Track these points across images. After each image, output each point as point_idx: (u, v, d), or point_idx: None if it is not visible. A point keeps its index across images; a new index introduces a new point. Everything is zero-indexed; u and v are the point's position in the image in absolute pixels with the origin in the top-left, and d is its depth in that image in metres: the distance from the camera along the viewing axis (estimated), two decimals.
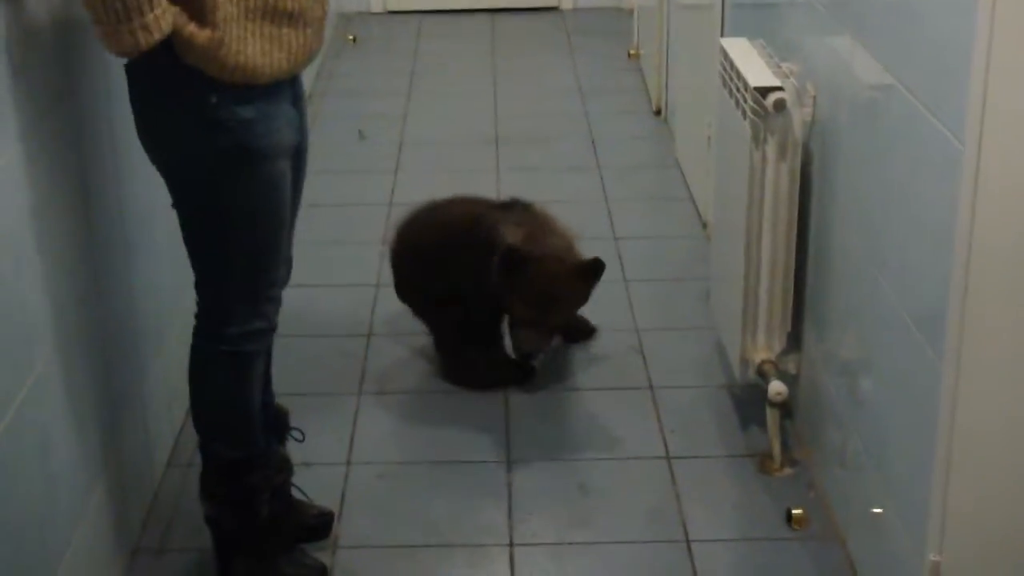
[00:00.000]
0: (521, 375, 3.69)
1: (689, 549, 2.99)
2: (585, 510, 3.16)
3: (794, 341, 3.32)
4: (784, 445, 3.29)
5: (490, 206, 3.74)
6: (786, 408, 3.33)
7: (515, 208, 3.67)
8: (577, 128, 5.74)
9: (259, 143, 2.47)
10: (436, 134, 5.72)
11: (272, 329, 2.75)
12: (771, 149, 3.12)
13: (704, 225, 4.61)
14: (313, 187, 4.98)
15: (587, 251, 4.46)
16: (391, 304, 4.10)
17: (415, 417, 3.56)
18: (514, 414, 3.55)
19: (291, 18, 2.43)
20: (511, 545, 3.03)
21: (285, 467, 2.94)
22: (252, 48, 2.39)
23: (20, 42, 2.36)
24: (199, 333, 2.72)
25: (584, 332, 3.90)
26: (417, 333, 3.83)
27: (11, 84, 2.32)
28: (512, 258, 3.38)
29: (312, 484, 3.21)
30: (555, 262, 3.43)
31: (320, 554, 2.98)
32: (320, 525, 3.04)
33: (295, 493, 2.99)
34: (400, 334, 3.94)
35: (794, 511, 3.05)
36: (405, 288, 3.78)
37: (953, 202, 2.21)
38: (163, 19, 2.29)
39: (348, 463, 3.34)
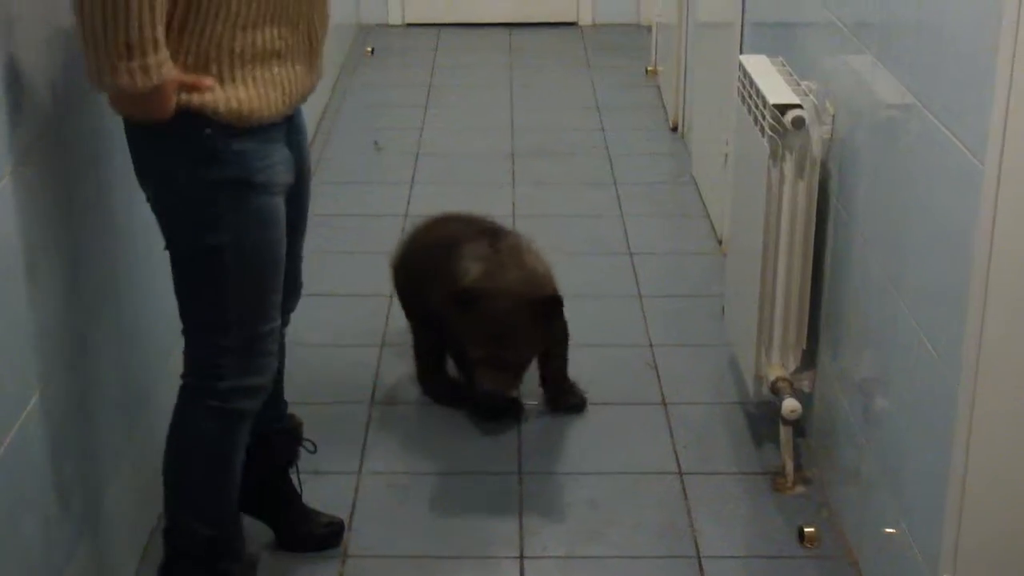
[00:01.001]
0: (496, 412, 3.56)
1: (700, 565, 2.98)
2: (596, 524, 3.15)
3: (809, 359, 3.31)
4: (797, 463, 3.28)
5: (472, 232, 3.54)
6: (799, 426, 3.33)
7: (494, 237, 3.49)
8: (594, 143, 5.75)
9: (254, 176, 2.40)
10: (452, 146, 5.72)
11: (268, 386, 2.60)
12: (789, 167, 3.12)
13: (719, 242, 4.61)
14: (329, 197, 5.06)
15: (601, 267, 4.51)
16: (404, 316, 4.11)
17: (427, 428, 3.56)
18: (526, 427, 3.54)
19: (280, 57, 2.39)
20: (521, 557, 3.02)
21: (253, 560, 2.82)
22: (246, 93, 2.35)
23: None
24: (186, 388, 2.57)
25: (573, 403, 3.62)
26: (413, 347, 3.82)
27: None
28: (462, 297, 3.26)
29: (323, 493, 3.22)
30: (506, 298, 3.25)
31: (330, 563, 2.98)
32: (330, 535, 3.02)
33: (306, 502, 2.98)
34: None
35: (806, 529, 3.04)
36: (401, 299, 3.78)
37: (972, 221, 2.21)
38: (164, 66, 2.23)
39: (359, 473, 3.34)
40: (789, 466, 3.25)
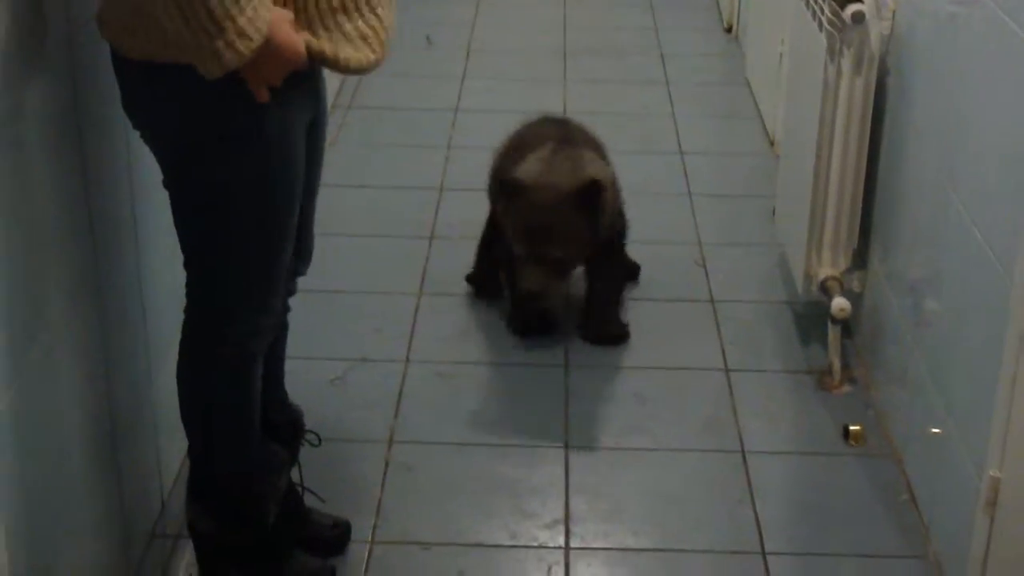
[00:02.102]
0: (527, 325, 3.44)
1: (744, 460, 3.00)
2: (641, 417, 3.16)
3: (859, 259, 3.30)
4: (844, 363, 3.27)
5: (546, 137, 3.42)
6: (847, 326, 3.32)
7: (564, 143, 3.37)
8: (647, 43, 5.69)
9: (271, 111, 2.10)
10: (504, 43, 5.68)
11: (279, 324, 2.44)
12: (847, 63, 3.08)
13: (771, 143, 4.57)
14: (381, 90, 5.05)
15: (652, 166, 4.49)
16: (454, 208, 4.13)
17: (474, 318, 3.57)
18: (575, 319, 3.55)
19: (370, 4, 2.14)
20: (566, 447, 3.04)
21: (287, 467, 2.57)
22: (344, 52, 2.11)
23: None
24: (192, 330, 2.34)
25: (609, 333, 3.46)
26: (479, 237, 3.82)
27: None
28: (505, 187, 3.22)
29: (370, 380, 3.25)
30: (548, 189, 3.17)
31: (376, 447, 3.01)
32: (335, 538, 2.72)
33: (309, 500, 2.73)
34: (462, 238, 3.93)
35: (851, 428, 3.04)
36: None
37: None
38: (258, 16, 1.94)
39: (407, 361, 3.36)
40: (836, 365, 3.25)
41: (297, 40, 2.03)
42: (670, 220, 4.11)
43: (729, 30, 5.76)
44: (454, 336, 3.49)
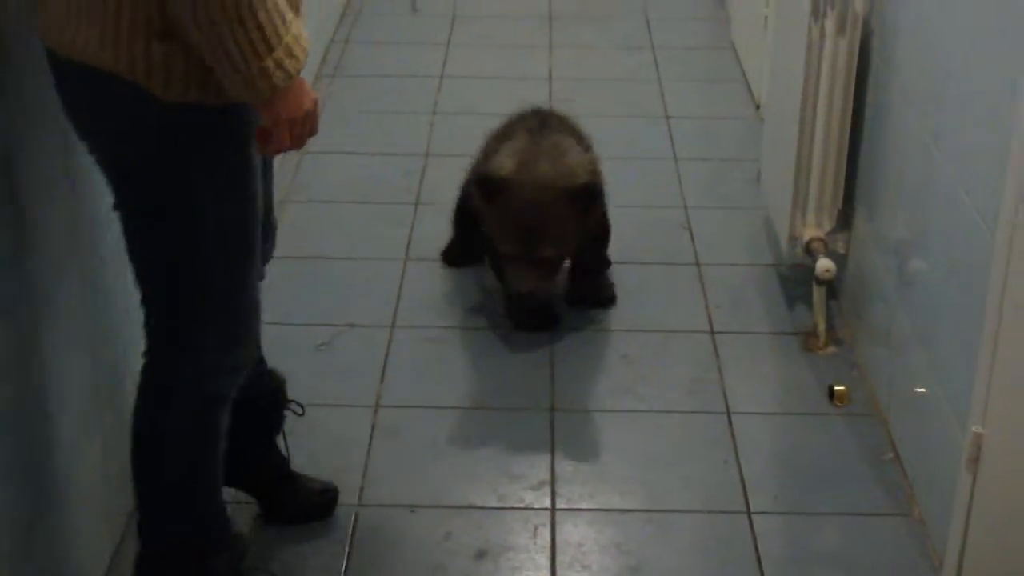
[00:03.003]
0: (528, 320, 3.33)
1: (730, 421, 3.01)
2: (627, 379, 3.17)
3: (844, 220, 3.30)
4: (829, 324, 3.28)
5: (520, 128, 3.31)
6: (832, 287, 3.33)
7: (539, 133, 3.24)
8: (632, 8, 5.67)
9: (230, 129, 1.98)
10: (490, 8, 5.66)
11: (252, 352, 2.22)
12: (830, 23, 3.08)
13: (757, 107, 4.57)
14: (365, 57, 5.04)
15: (637, 130, 4.48)
16: (440, 173, 4.12)
17: (461, 284, 3.57)
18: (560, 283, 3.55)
19: (292, 7, 1.98)
20: (552, 410, 3.05)
21: (246, 547, 2.43)
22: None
23: None
24: (153, 368, 2.14)
25: (596, 297, 3.43)
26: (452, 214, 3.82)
27: None
28: (487, 185, 3.09)
29: (356, 346, 3.26)
30: (536, 187, 3.06)
31: (363, 412, 3.01)
32: (324, 503, 2.69)
33: (296, 465, 2.66)
34: (448, 203, 3.92)
35: (836, 388, 3.05)
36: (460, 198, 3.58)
37: (1017, 76, 2.17)
38: (301, 35, 1.88)
39: (392, 326, 3.36)
40: (821, 326, 3.26)
41: (315, 94, 1.96)
42: (656, 184, 4.10)
43: None
44: (440, 301, 3.49)
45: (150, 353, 2.14)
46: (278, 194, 3.91)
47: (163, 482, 2.21)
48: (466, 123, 4.48)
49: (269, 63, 1.84)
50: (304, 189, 4.03)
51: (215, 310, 2.09)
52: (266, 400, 2.52)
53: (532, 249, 3.08)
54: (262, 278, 2.26)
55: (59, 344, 2.22)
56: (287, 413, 2.60)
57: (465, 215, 3.48)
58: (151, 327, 2.12)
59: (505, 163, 3.15)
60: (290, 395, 2.61)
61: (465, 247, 3.58)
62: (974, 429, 2.32)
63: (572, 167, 3.14)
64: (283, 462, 2.64)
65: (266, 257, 2.33)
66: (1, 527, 2.00)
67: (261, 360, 2.48)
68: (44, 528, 2.20)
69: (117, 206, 2.06)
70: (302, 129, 1.96)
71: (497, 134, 3.40)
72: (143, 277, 2.09)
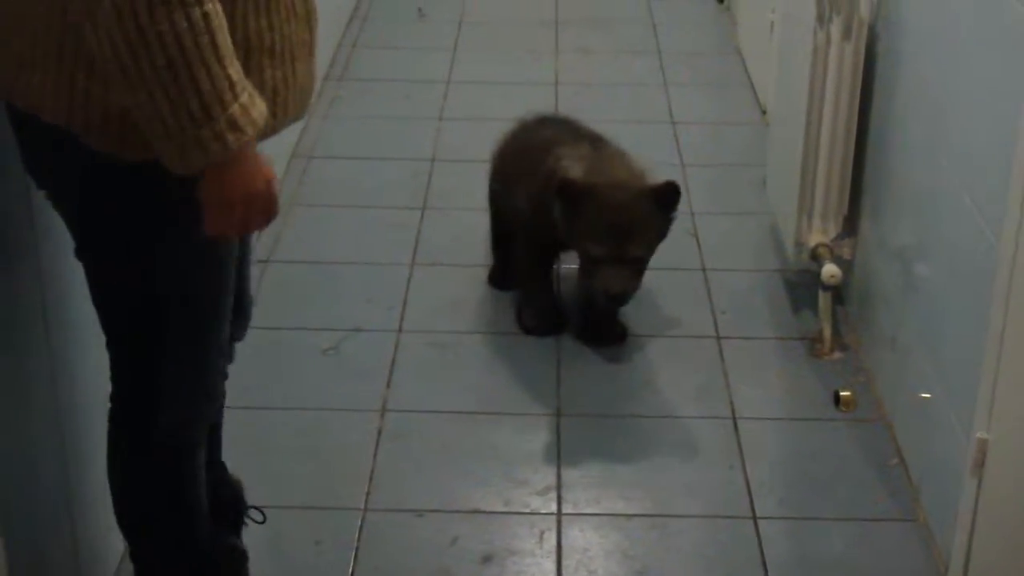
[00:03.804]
0: (545, 326, 3.36)
1: (735, 426, 3.01)
2: (633, 384, 3.18)
3: (849, 226, 3.30)
4: (835, 330, 3.29)
5: (572, 136, 3.35)
6: (838, 293, 3.33)
7: (596, 141, 3.32)
8: (638, 12, 5.68)
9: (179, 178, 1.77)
10: (496, 14, 5.67)
11: (219, 406, 2.15)
12: (836, 29, 3.09)
13: (763, 112, 4.57)
14: (372, 62, 5.05)
15: (643, 135, 4.47)
16: (446, 178, 4.13)
17: (467, 289, 3.57)
18: (567, 289, 3.56)
19: (272, 56, 1.82)
20: (558, 415, 3.06)
21: (244, 563, 2.38)
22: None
23: None
24: (119, 422, 2.07)
25: (610, 334, 3.36)
26: (471, 208, 3.83)
27: None
28: (570, 190, 3.07)
29: (363, 350, 3.27)
30: (620, 189, 3.09)
31: (369, 416, 3.02)
32: None
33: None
34: (454, 209, 3.95)
35: (842, 393, 3.05)
36: (494, 209, 3.57)
37: (1020, 82, 2.18)
38: (252, 106, 1.70)
39: (399, 331, 3.37)
40: (827, 332, 3.26)
41: (273, 174, 1.77)
42: None
43: (721, 0, 5.75)
44: (446, 306, 3.50)
45: (114, 402, 2.07)
46: (285, 197, 3.96)
47: (148, 528, 2.17)
48: (472, 128, 4.50)
49: (206, 133, 1.66)
50: (311, 193, 4.04)
51: (176, 368, 1.99)
52: (226, 505, 2.37)
53: (622, 249, 3.07)
54: (231, 360, 2.18)
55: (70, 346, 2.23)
56: (247, 522, 2.46)
57: (499, 236, 3.51)
58: (113, 375, 2.04)
59: (575, 168, 3.15)
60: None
61: (505, 269, 3.53)
62: (979, 435, 2.32)
63: (641, 171, 3.20)
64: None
65: (237, 336, 2.22)
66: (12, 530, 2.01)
67: (221, 466, 2.39)
68: (52, 537, 2.22)
69: (76, 253, 1.96)
70: (246, 214, 1.77)
71: (528, 144, 3.38)
72: (103, 325, 2.00)
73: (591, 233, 3.08)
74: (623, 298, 3.14)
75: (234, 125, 1.67)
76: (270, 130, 1.84)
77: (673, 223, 3.16)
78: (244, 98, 1.68)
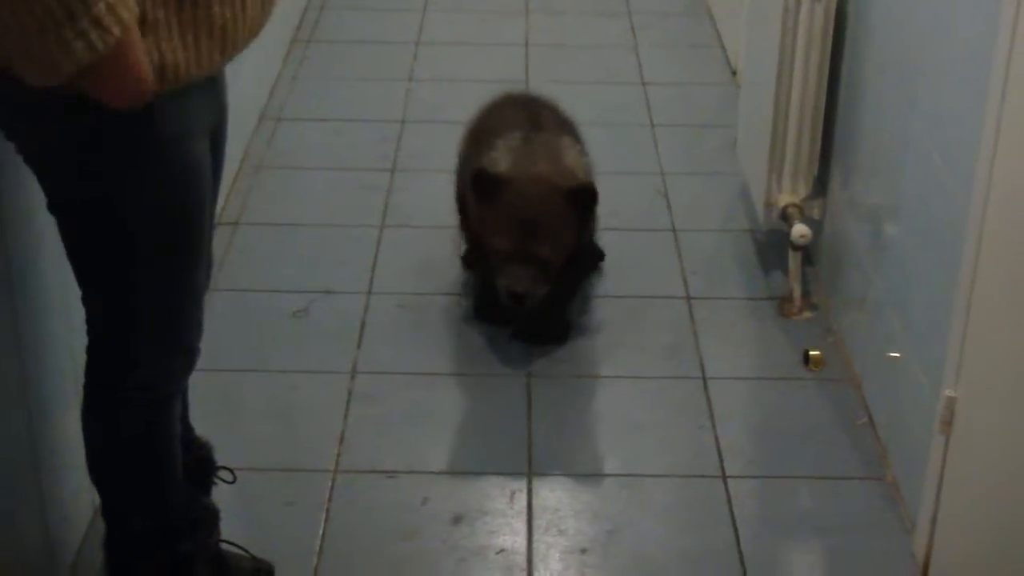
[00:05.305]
0: (497, 316, 3.19)
1: (705, 385, 3.02)
2: (603, 344, 3.18)
3: (819, 187, 3.31)
4: (804, 290, 3.30)
5: (513, 122, 3.19)
6: (808, 253, 3.34)
7: (533, 129, 3.14)
8: None
9: (167, 126, 1.83)
10: None
11: (195, 358, 2.10)
12: None
13: (734, 73, 4.57)
14: (340, 23, 5.01)
15: (614, 96, 4.48)
16: (416, 140, 4.12)
17: (437, 251, 3.56)
18: None
19: None
20: (529, 376, 3.06)
21: (215, 522, 2.34)
22: (171, 42, 1.74)
23: None
24: (95, 376, 2.05)
25: (547, 332, 3.21)
26: (441, 170, 3.80)
27: None
28: (482, 181, 2.96)
29: (332, 312, 3.26)
30: (534, 183, 2.95)
31: (339, 378, 3.02)
32: None
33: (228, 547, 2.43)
34: (424, 170, 3.93)
35: (811, 353, 3.07)
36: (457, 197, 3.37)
37: (990, 41, 2.18)
38: (120, 4, 1.62)
39: (369, 293, 3.36)
40: (796, 292, 3.27)
41: (146, 66, 1.70)
42: (632, 151, 4.11)
43: None
44: (416, 268, 3.49)
45: (89, 352, 2.05)
46: (253, 159, 3.94)
47: (122, 481, 2.16)
48: (442, 89, 4.49)
49: (68, 32, 1.60)
50: (280, 156, 4.01)
51: (151, 316, 1.98)
52: (194, 471, 2.34)
53: (527, 246, 2.94)
54: (206, 288, 2.14)
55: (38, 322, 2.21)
56: (216, 482, 2.44)
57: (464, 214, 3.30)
58: (88, 325, 2.02)
59: (500, 159, 3.04)
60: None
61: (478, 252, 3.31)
62: (947, 393, 2.33)
63: (571, 168, 3.05)
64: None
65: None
66: None
67: (189, 428, 2.36)
68: (20, 498, 2.21)
69: (48, 207, 1.93)
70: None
71: (483, 126, 3.28)
72: (77, 276, 1.98)
73: (497, 226, 2.96)
74: (524, 298, 2.95)
75: (99, 23, 1.60)
76: (217, 66, 1.83)
77: (591, 227, 3.03)
78: None
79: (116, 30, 1.62)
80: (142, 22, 1.69)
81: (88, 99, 1.71)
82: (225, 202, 3.70)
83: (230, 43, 1.82)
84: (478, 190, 2.98)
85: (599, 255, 3.47)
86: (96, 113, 1.74)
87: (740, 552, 2.56)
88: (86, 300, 2.00)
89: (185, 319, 2.03)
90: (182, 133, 1.86)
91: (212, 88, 1.95)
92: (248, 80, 3.92)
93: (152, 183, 1.86)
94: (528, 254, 2.94)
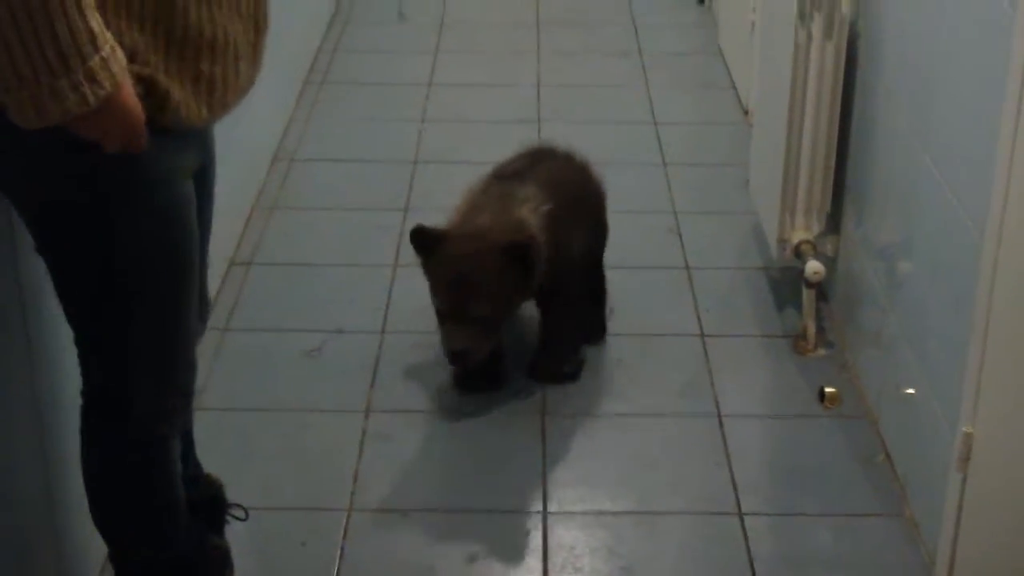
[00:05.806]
0: (468, 383, 3.10)
1: (721, 424, 3.01)
2: (618, 382, 3.17)
3: (832, 224, 3.31)
4: (819, 327, 3.29)
5: (504, 170, 3.12)
6: (822, 290, 3.33)
7: (508, 181, 3.03)
8: (620, 14, 5.69)
9: (152, 167, 1.85)
10: (477, 15, 5.67)
11: (190, 400, 2.12)
12: (817, 27, 3.09)
13: (745, 112, 4.58)
14: (353, 65, 5.04)
15: (626, 136, 4.49)
16: (429, 180, 4.13)
17: None
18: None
19: (213, 51, 1.85)
20: (543, 414, 3.05)
21: (227, 561, 2.36)
22: (170, 78, 1.81)
23: None
24: (91, 417, 2.05)
25: (555, 372, 3.15)
26: (453, 210, 3.81)
27: None
28: (419, 238, 2.89)
29: (346, 352, 3.26)
30: (469, 239, 2.85)
31: (353, 417, 3.01)
32: None
33: None
34: (437, 209, 3.91)
35: (827, 390, 3.05)
36: None
37: (1002, 76, 2.18)
38: (113, 61, 1.67)
39: (382, 332, 3.36)
40: (811, 329, 3.26)
41: (139, 108, 1.75)
42: (645, 190, 4.11)
43: (701, 1, 5.76)
44: (429, 307, 3.45)
45: (84, 396, 2.05)
46: (267, 200, 3.95)
47: (123, 522, 2.16)
48: (454, 130, 4.50)
49: (63, 84, 1.64)
50: (293, 196, 4.03)
51: (142, 356, 1.98)
52: (206, 510, 2.35)
53: (463, 304, 2.85)
54: (202, 332, 2.17)
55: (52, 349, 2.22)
56: (229, 520, 2.45)
57: None
58: (83, 370, 2.03)
59: (457, 212, 2.96)
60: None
61: None
62: (964, 429, 2.32)
63: (518, 221, 2.90)
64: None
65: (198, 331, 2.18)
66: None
67: (193, 463, 2.37)
68: (34, 536, 2.20)
69: (36, 249, 1.94)
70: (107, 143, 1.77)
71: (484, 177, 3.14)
72: (68, 319, 1.98)
73: (434, 284, 2.91)
74: (463, 357, 2.88)
75: (93, 78, 1.65)
76: (202, 121, 1.88)
77: (533, 281, 2.89)
78: (106, 51, 1.66)
79: (108, 84, 1.67)
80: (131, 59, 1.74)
81: (81, 139, 1.74)
82: (239, 242, 3.71)
83: (219, 102, 1.88)
84: (416, 247, 2.91)
85: (601, 287, 3.35)
86: (87, 153, 1.76)
87: None
88: (79, 342, 2.00)
89: (179, 359, 2.04)
90: (167, 174, 1.89)
91: (197, 133, 1.97)
92: (262, 121, 3.94)
93: (137, 223, 1.87)
94: (464, 313, 2.85)
